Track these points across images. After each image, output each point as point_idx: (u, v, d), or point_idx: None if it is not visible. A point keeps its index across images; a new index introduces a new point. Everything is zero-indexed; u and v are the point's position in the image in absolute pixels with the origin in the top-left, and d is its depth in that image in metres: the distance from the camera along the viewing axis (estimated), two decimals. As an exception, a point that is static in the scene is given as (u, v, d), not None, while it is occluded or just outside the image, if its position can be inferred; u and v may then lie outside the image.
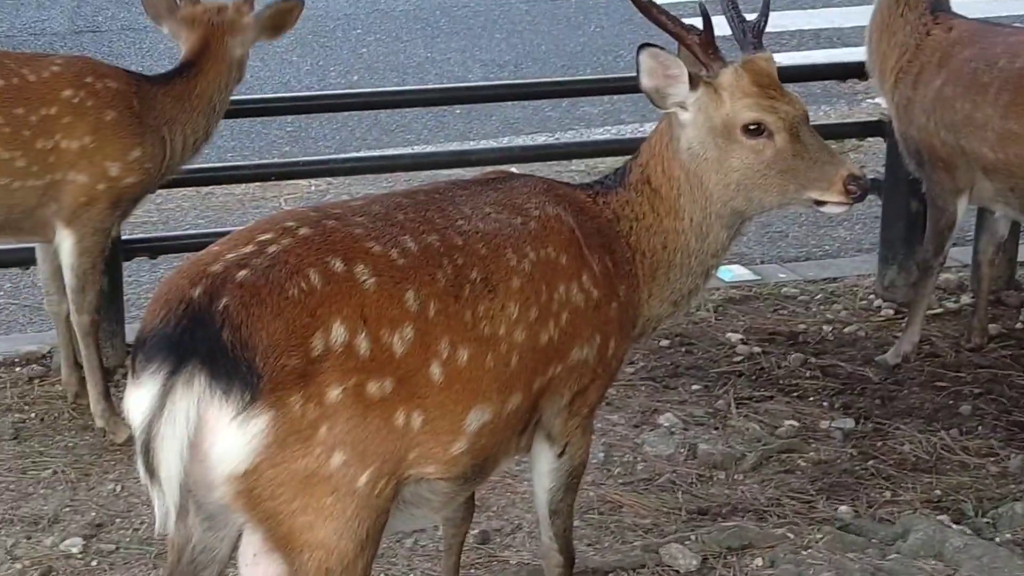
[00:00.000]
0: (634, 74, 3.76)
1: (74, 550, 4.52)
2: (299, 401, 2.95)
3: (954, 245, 5.91)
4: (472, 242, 3.37)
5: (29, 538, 4.59)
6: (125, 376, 5.43)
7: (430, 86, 9.12)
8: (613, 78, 7.75)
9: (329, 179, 7.61)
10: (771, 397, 5.57)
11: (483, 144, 8.44)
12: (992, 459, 5.14)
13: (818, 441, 5.26)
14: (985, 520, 4.73)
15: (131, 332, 5.61)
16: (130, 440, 5.01)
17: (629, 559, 4.48)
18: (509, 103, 8.71)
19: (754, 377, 5.73)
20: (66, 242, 5.03)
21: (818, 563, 4.38)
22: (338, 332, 3.01)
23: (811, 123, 3.81)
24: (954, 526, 4.63)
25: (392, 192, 3.65)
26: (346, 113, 8.50)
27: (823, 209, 3.81)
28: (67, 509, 4.76)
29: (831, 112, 9.07)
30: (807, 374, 5.76)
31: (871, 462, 5.12)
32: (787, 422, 5.37)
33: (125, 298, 5.82)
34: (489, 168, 5.08)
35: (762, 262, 7.01)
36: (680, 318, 5.11)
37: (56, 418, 5.33)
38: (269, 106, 6.93)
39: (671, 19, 3.79)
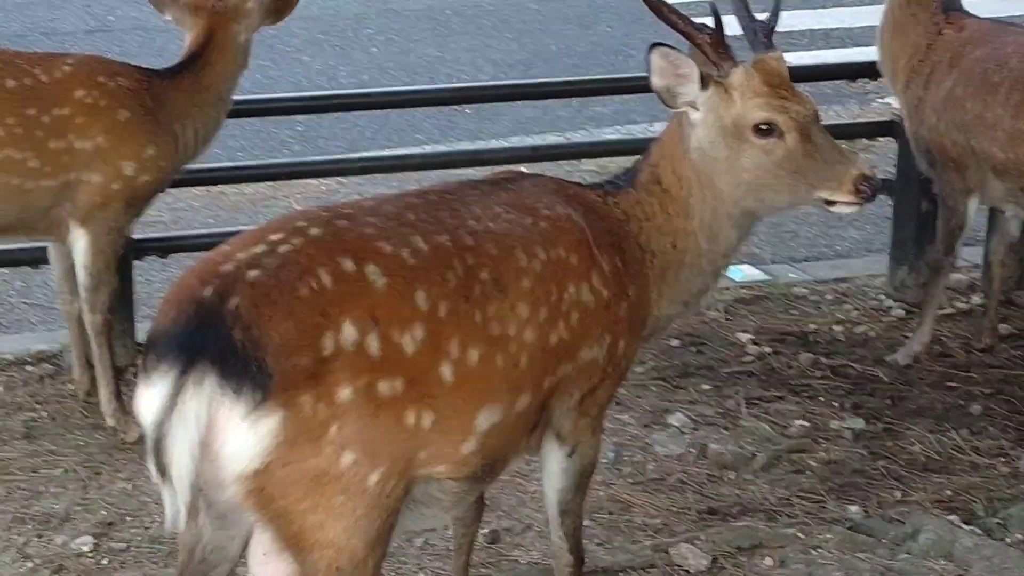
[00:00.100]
0: (645, 74, 3.76)
1: (85, 548, 4.53)
2: (310, 401, 2.95)
3: (965, 245, 5.89)
4: (483, 242, 3.37)
5: (40, 536, 4.60)
6: (136, 375, 5.44)
7: (440, 86, 9.12)
8: (624, 78, 7.74)
9: (339, 179, 7.61)
10: (781, 397, 5.57)
11: (493, 144, 8.43)
12: (1003, 459, 5.14)
13: (828, 441, 5.25)
14: (996, 520, 4.72)
15: (141, 331, 5.62)
16: (141, 439, 4.98)
17: (639, 559, 4.48)
18: (520, 103, 8.69)
19: (764, 377, 5.73)
20: (80, 241, 5.03)
21: (828, 563, 4.39)
22: (349, 332, 3.02)
23: (822, 123, 3.81)
24: (964, 526, 4.63)
25: (403, 192, 3.65)
26: (356, 113, 8.49)
27: (834, 209, 3.81)
28: (78, 508, 4.77)
29: (842, 112, 9.05)
30: (817, 374, 5.76)
31: (881, 462, 5.12)
32: (797, 422, 5.36)
33: (136, 297, 5.83)
34: (499, 168, 5.08)
35: (773, 262, 7.00)
36: (690, 318, 5.12)
37: (67, 417, 5.34)
38: (280, 106, 6.94)
39: (682, 18, 3.79)
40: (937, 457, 5.16)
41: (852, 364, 5.83)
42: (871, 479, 5.01)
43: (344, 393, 2.99)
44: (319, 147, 8.50)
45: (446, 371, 3.17)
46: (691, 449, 5.17)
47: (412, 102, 7.36)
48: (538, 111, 9.07)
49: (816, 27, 10.89)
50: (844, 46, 10.32)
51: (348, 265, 3.10)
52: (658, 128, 4.81)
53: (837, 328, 6.15)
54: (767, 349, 5.93)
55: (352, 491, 3.03)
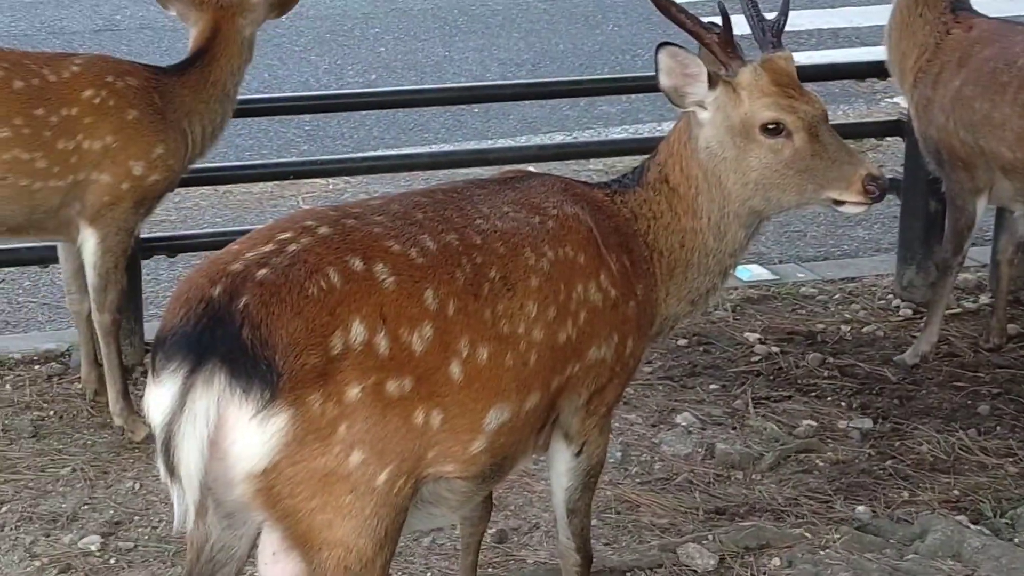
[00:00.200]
0: (652, 73, 3.75)
1: (92, 548, 4.54)
2: (318, 400, 2.96)
3: (973, 245, 5.89)
4: (491, 241, 3.37)
5: (48, 536, 4.61)
6: (144, 374, 5.46)
7: (448, 85, 9.13)
8: (631, 77, 7.75)
9: (347, 178, 7.62)
10: (789, 397, 5.57)
11: (501, 143, 8.45)
12: (1011, 459, 5.13)
13: (836, 441, 5.25)
14: (1004, 521, 4.72)
15: (149, 330, 5.62)
16: (148, 438, 5.03)
17: (646, 559, 4.48)
18: (527, 102, 8.71)
19: (772, 377, 5.73)
20: (89, 241, 5.03)
21: (836, 563, 4.38)
22: (357, 331, 3.02)
23: (830, 122, 3.80)
24: (972, 527, 4.63)
25: (411, 191, 3.66)
26: (364, 112, 8.51)
27: (841, 209, 3.80)
28: (85, 507, 4.77)
29: (850, 112, 9.05)
30: (825, 374, 5.76)
31: (889, 462, 5.11)
32: (805, 422, 5.36)
33: (144, 296, 5.84)
34: (507, 167, 5.08)
35: (780, 262, 7.00)
36: (698, 317, 5.11)
37: (75, 416, 5.34)
38: (287, 105, 6.95)
39: (690, 18, 3.79)
40: (945, 457, 5.15)
41: (860, 364, 5.83)
42: (879, 479, 5.01)
43: (353, 392, 2.99)
44: (326, 146, 8.51)
45: (455, 369, 3.17)
46: (698, 449, 5.17)
47: (419, 101, 7.36)
48: (545, 110, 9.08)
49: (824, 26, 10.88)
50: (852, 45, 10.32)
51: (356, 264, 3.10)
52: (665, 127, 4.82)
53: (845, 328, 6.15)
54: (775, 349, 5.93)
55: (361, 490, 3.03)
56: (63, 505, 4.77)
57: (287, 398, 2.93)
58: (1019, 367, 5.81)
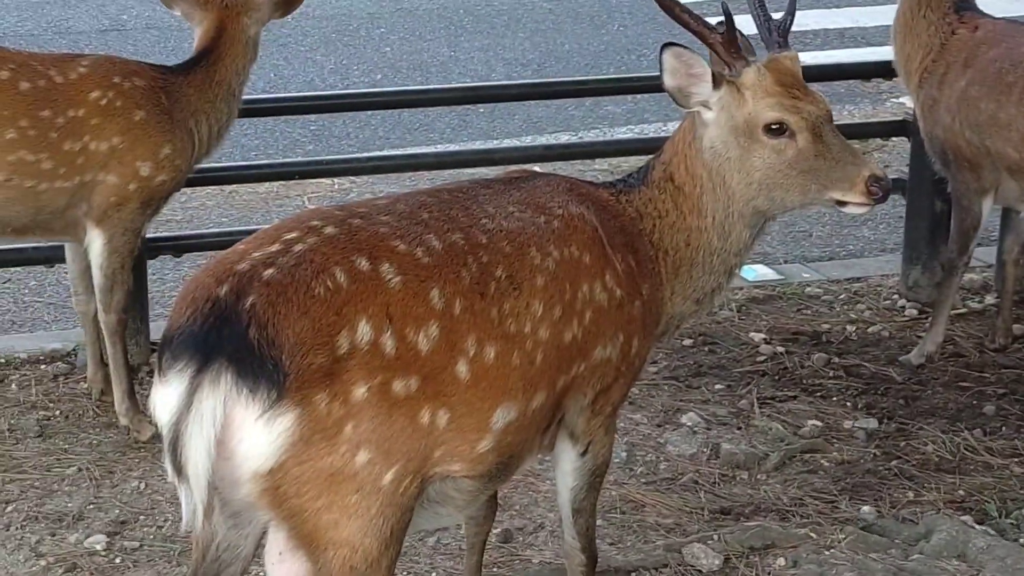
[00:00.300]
0: (657, 73, 3.76)
1: (98, 547, 4.54)
2: (325, 399, 2.96)
3: (979, 245, 5.89)
4: (496, 240, 3.38)
5: (53, 535, 4.62)
6: (149, 374, 5.46)
7: (453, 85, 9.14)
8: (636, 77, 7.76)
9: (353, 178, 7.63)
10: (794, 397, 5.57)
11: (506, 143, 8.45)
12: (1016, 460, 5.13)
13: (841, 441, 5.25)
14: (1009, 521, 4.72)
15: (155, 330, 5.63)
16: (154, 438, 5.04)
17: (651, 558, 4.48)
18: (532, 102, 8.70)
19: (777, 377, 5.73)
20: (96, 242, 5.04)
21: (841, 563, 4.38)
22: (364, 330, 3.02)
23: (835, 123, 3.80)
24: (977, 527, 4.63)
25: (416, 191, 3.66)
26: (369, 112, 8.51)
27: (845, 209, 3.81)
28: (91, 506, 4.78)
29: (855, 112, 9.05)
30: (830, 374, 5.76)
31: (894, 462, 5.11)
32: (810, 422, 5.36)
33: (150, 296, 5.84)
34: (512, 167, 5.08)
35: (785, 261, 7.00)
36: (703, 317, 5.10)
37: (80, 416, 5.35)
38: (293, 105, 6.95)
39: (694, 18, 3.79)
40: (950, 457, 5.15)
41: (865, 364, 5.83)
42: (884, 479, 5.01)
43: (359, 392, 3.00)
44: (332, 146, 8.51)
45: (462, 369, 3.17)
46: (704, 449, 5.17)
47: (425, 101, 7.37)
48: (551, 110, 9.08)
49: (830, 26, 10.88)
50: (858, 46, 10.31)
51: (363, 264, 3.11)
52: (671, 128, 4.81)
53: (850, 328, 6.15)
54: (780, 349, 5.93)
55: (367, 490, 3.04)
56: (69, 504, 4.78)
57: (294, 398, 2.93)
58: (1024, 367, 5.81)
